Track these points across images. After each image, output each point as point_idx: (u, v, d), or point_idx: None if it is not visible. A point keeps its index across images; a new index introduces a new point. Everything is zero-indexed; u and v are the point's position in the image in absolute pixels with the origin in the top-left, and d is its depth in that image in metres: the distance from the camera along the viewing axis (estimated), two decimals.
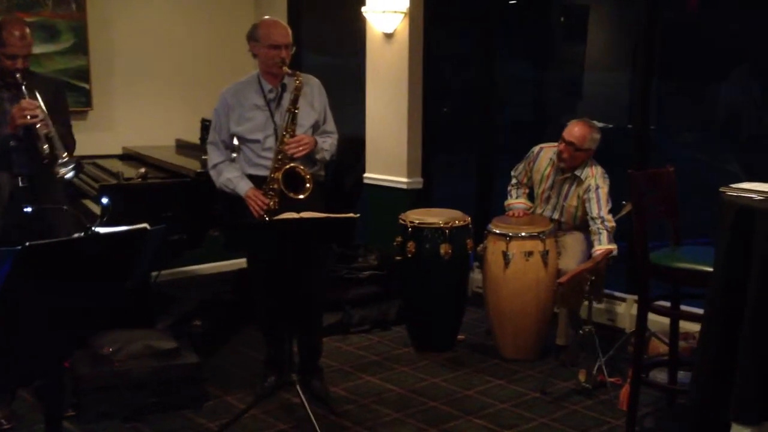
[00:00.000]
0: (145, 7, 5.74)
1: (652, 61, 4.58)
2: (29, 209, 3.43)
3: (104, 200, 3.63)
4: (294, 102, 3.65)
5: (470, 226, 4.55)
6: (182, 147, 5.37)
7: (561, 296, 3.73)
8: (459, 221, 4.47)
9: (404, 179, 5.29)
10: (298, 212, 3.29)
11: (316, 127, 3.83)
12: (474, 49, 5.50)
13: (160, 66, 5.79)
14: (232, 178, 3.76)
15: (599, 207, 4.28)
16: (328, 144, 3.84)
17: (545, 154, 4.59)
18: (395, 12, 5.06)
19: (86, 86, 5.48)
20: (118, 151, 5.43)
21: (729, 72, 6.46)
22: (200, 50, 5.90)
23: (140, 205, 4.14)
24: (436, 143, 5.52)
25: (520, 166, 4.72)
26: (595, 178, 4.37)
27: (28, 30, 3.47)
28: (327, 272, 4.08)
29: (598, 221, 4.24)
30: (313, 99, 3.82)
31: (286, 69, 3.66)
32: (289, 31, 3.74)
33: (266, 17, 3.87)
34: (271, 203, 3.61)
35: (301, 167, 3.65)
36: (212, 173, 3.86)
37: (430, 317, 4.56)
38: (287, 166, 3.63)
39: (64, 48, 5.35)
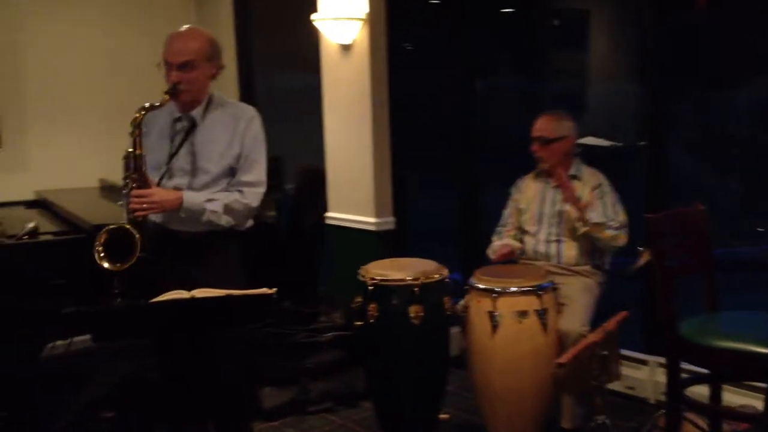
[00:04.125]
0: (61, 25, 4.91)
1: (661, 68, 3.74)
2: None
3: None
4: (135, 143, 2.76)
5: (448, 279, 3.63)
6: (107, 189, 4.50)
7: (561, 381, 2.80)
8: (432, 275, 3.55)
9: (372, 219, 4.38)
10: (189, 287, 2.38)
11: (229, 175, 2.93)
12: (451, 59, 4.62)
13: (81, 93, 4.96)
14: None
15: (607, 208, 3.65)
16: (219, 204, 2.85)
17: (528, 179, 3.91)
18: (351, 19, 4.17)
19: None
20: (32, 196, 4.57)
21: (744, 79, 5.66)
22: (132, 74, 5.03)
23: (22, 271, 3.26)
24: (409, 173, 4.62)
25: (506, 212, 3.96)
26: (602, 180, 3.71)
27: None
28: (242, 353, 3.16)
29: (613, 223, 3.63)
30: (234, 137, 2.91)
31: (165, 97, 2.77)
32: (191, 46, 2.83)
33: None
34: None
35: (129, 227, 2.74)
36: None
37: (401, 395, 3.63)
38: (112, 226, 2.75)
39: None
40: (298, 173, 4.80)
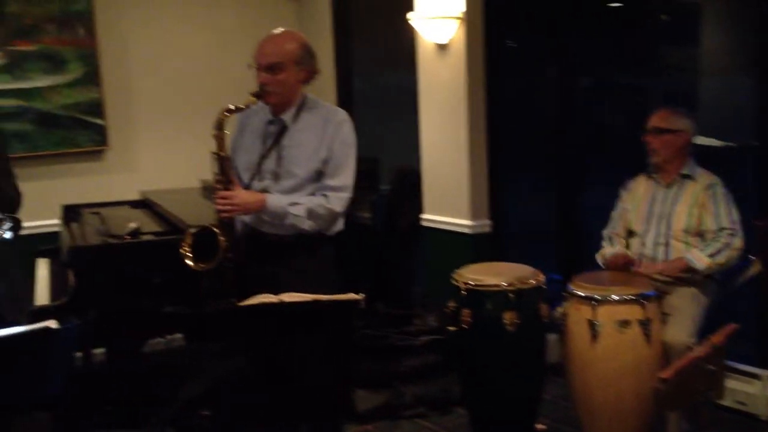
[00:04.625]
0: (167, 29, 5.04)
1: None
2: None
3: None
4: (218, 144, 2.84)
5: (544, 285, 3.51)
6: (208, 190, 4.58)
7: (664, 397, 2.65)
8: (528, 280, 3.44)
9: (468, 222, 4.30)
10: (277, 290, 2.38)
11: (317, 179, 2.91)
12: (553, 55, 4.48)
13: (186, 96, 5.07)
14: None
15: (728, 213, 3.44)
16: (303, 208, 2.82)
17: (639, 180, 3.73)
18: (448, 18, 4.10)
19: (101, 122, 4.82)
20: (137, 196, 4.70)
21: None
22: (234, 77, 5.10)
23: (123, 271, 3.35)
24: (507, 175, 4.50)
25: (615, 214, 3.78)
26: (716, 180, 3.52)
27: None
28: (333, 355, 3.15)
29: (725, 232, 3.40)
30: (322, 141, 2.88)
31: (251, 99, 2.80)
32: (280, 49, 2.84)
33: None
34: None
35: (216, 228, 2.81)
36: None
37: (496, 403, 3.54)
38: (194, 228, 2.85)
39: (73, 79, 4.72)
40: (393, 174, 4.76)
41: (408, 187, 4.63)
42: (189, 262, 2.79)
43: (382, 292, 4.38)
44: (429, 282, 4.56)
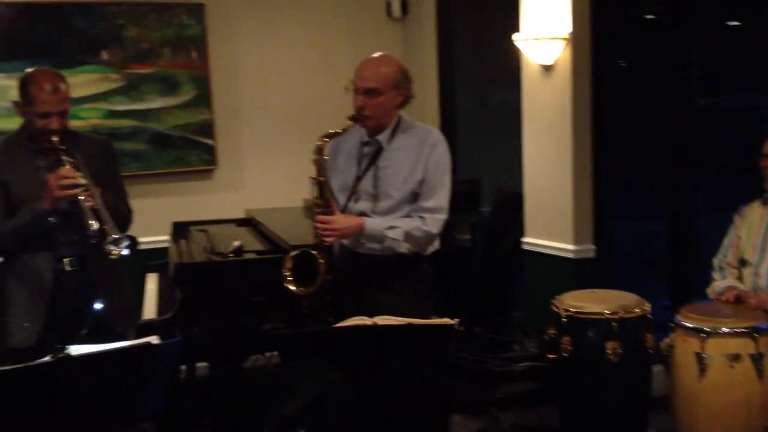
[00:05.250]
0: (275, 52, 5.16)
1: None
2: (100, 306, 2.89)
3: (97, 305, 2.94)
4: (317, 169, 2.87)
5: (650, 315, 3.38)
6: (311, 209, 4.65)
7: None
8: (633, 309, 3.32)
9: (570, 246, 4.18)
10: (374, 312, 2.38)
11: (412, 201, 2.90)
12: (668, 75, 4.32)
13: (292, 117, 5.16)
14: None
15: None
16: (400, 231, 2.83)
17: (753, 206, 3.55)
18: (554, 39, 4.03)
19: (211, 142, 4.97)
20: (243, 215, 4.83)
21: None
22: (340, 100, 5.20)
23: (225, 288, 3.42)
24: (612, 198, 4.36)
25: (725, 241, 3.61)
26: None
27: (63, 84, 2.92)
28: (430, 379, 3.11)
29: None
30: (417, 162, 2.89)
31: (348, 123, 2.82)
32: (379, 73, 2.88)
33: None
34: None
35: (315, 252, 2.85)
36: None
37: None
38: (294, 252, 2.89)
39: (185, 101, 4.89)
40: (494, 196, 4.70)
41: (509, 209, 4.56)
42: (290, 287, 2.84)
43: (482, 317, 4.33)
44: (529, 307, 4.46)
